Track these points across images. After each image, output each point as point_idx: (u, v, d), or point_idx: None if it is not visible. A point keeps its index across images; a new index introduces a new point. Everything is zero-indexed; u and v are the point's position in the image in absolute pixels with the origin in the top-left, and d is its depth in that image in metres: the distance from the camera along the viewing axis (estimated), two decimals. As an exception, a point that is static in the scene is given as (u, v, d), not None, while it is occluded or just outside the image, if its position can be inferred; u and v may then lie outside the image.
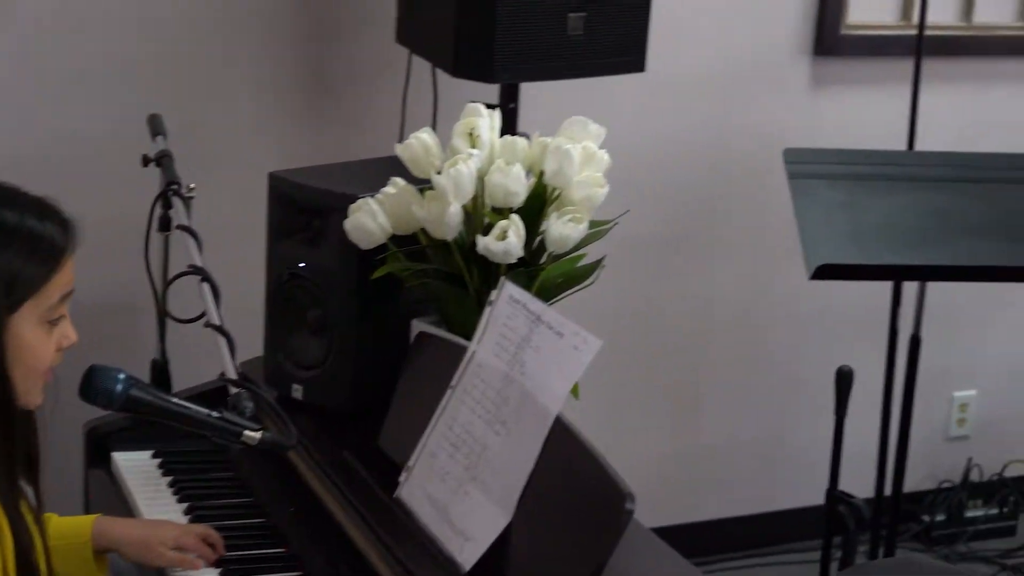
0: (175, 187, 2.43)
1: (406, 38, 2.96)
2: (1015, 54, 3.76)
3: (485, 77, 2.71)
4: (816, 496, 3.06)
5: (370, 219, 2.11)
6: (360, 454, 2.09)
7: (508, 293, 1.93)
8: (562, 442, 1.77)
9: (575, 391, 1.85)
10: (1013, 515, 4.05)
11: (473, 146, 2.09)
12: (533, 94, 2.94)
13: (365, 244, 2.14)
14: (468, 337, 1.98)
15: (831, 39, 3.55)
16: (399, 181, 2.15)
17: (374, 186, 2.17)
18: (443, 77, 2.97)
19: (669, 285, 3.59)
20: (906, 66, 3.33)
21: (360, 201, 2.13)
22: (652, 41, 2.88)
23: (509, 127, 2.72)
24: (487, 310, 1.95)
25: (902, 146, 3.33)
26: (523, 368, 1.85)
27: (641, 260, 3.50)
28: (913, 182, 3.05)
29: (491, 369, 1.90)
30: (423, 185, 2.12)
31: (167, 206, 2.49)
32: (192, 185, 2.47)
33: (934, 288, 3.37)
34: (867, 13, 3.59)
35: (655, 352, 3.62)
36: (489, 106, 2.19)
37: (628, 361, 3.55)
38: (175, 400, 1.85)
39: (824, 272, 2.82)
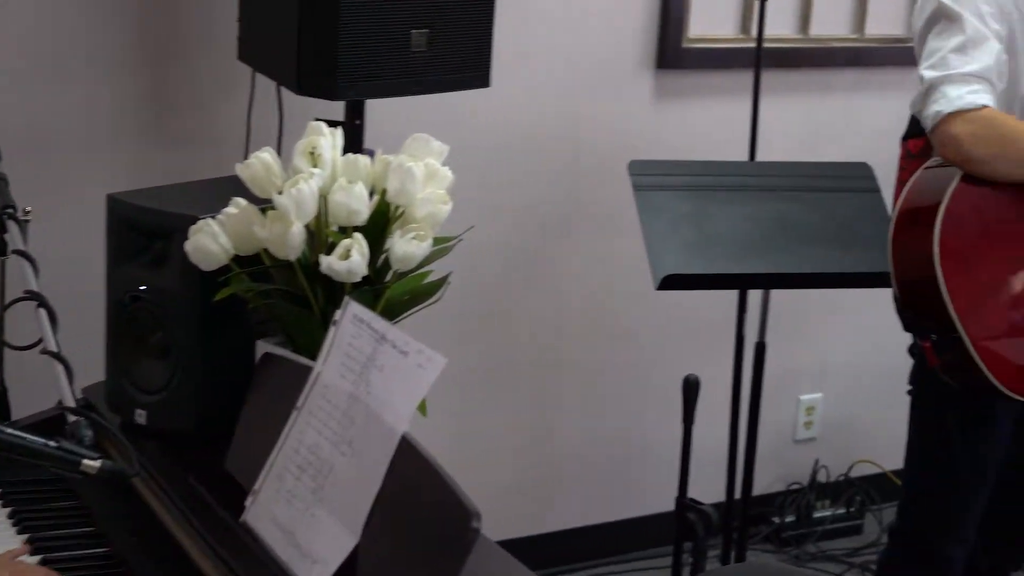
0: (10, 211, 2.36)
1: (249, 56, 2.93)
2: (851, 64, 3.87)
3: (329, 94, 2.70)
4: (668, 503, 3.10)
5: (211, 240, 2.08)
6: (206, 479, 2.06)
7: (352, 312, 1.92)
8: (408, 462, 1.77)
9: (422, 408, 1.85)
10: (859, 514, 4.16)
11: (315, 165, 2.08)
12: (379, 109, 2.93)
13: (207, 265, 2.11)
14: (314, 357, 1.97)
15: (673, 52, 3.61)
16: (240, 201, 2.12)
17: (215, 207, 2.14)
18: (288, 94, 2.95)
19: (519, 296, 3.61)
20: (747, 78, 3.40)
21: (201, 222, 2.10)
22: (497, 56, 2.90)
23: (355, 144, 2.72)
24: (332, 330, 1.93)
25: (744, 156, 3.40)
26: (368, 388, 1.84)
27: (491, 272, 3.52)
28: (755, 192, 3.12)
29: (336, 389, 1.88)
30: (265, 205, 2.10)
31: (2, 230, 2.42)
32: (28, 208, 2.41)
33: (778, 294, 3.44)
34: (708, 27, 3.67)
35: (506, 363, 3.64)
36: (333, 123, 2.18)
37: (479, 373, 3.56)
38: (8, 430, 1.80)
39: (670, 282, 2.87)
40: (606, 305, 3.72)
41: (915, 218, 2.43)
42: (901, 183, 2.58)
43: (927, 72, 2.43)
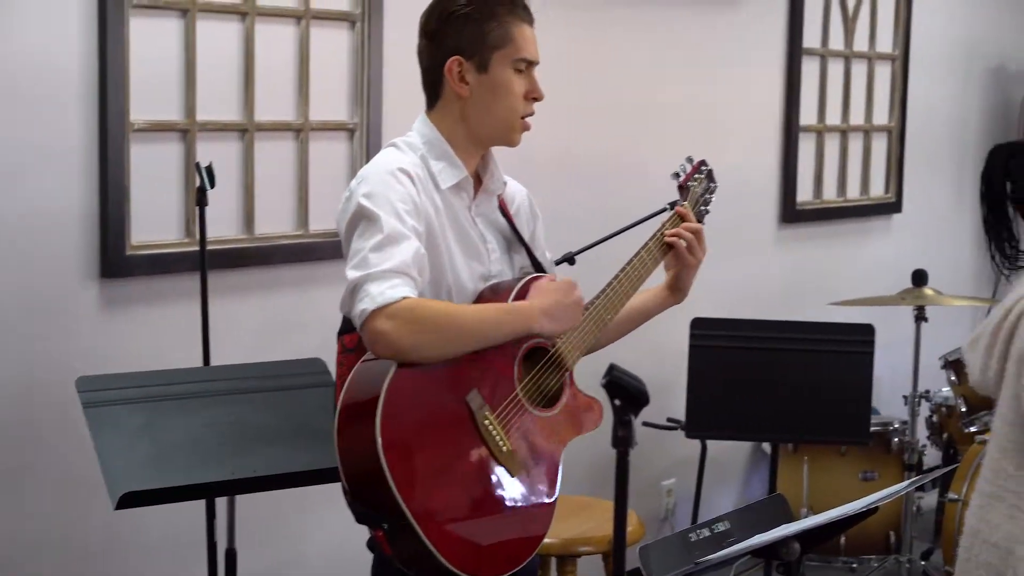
0: None
1: None
2: (297, 260, 3.93)
3: None
4: None
5: None
6: None
7: None
8: None
9: None
10: None
11: None
12: None
13: None
14: None
15: (117, 261, 3.53)
16: None
17: None
18: None
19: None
20: (195, 281, 3.38)
21: None
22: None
23: None
24: None
25: (199, 361, 3.36)
26: None
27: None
28: (211, 397, 3.09)
29: None
30: None
31: None
32: None
33: (249, 495, 3.39)
34: (151, 233, 3.61)
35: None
36: None
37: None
38: None
39: (128, 500, 2.77)
40: (70, 527, 3.52)
41: (356, 412, 2.47)
42: (341, 379, 2.62)
43: (351, 272, 2.50)
